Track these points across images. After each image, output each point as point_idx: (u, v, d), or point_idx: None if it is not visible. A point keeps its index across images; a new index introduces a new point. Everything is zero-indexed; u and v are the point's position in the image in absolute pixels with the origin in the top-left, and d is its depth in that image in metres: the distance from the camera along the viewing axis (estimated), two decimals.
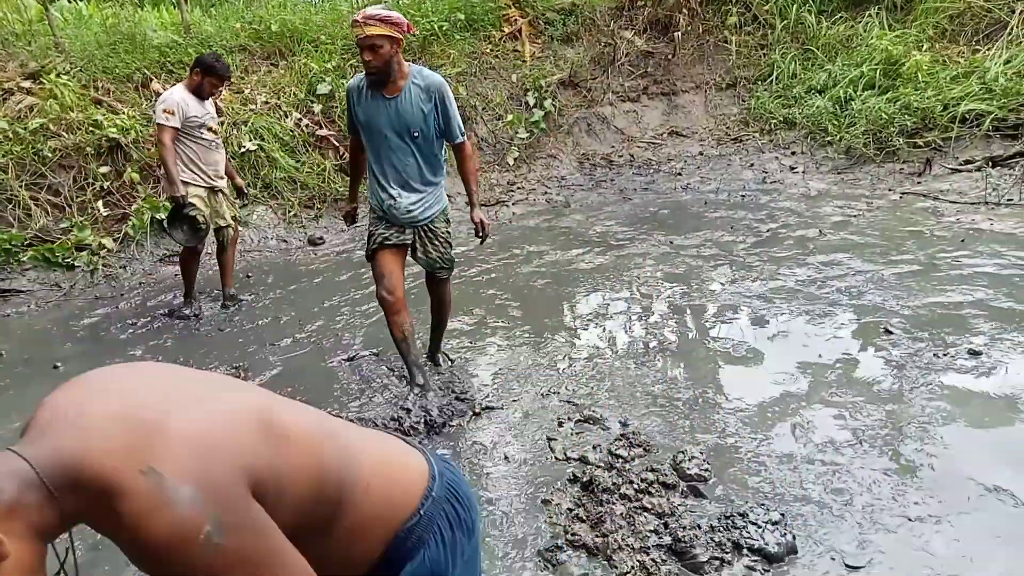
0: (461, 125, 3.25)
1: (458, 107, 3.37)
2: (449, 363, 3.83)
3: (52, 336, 4.47)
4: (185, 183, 4.48)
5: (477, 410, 3.32)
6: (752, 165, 7.52)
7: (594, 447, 2.95)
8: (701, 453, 2.83)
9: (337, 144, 7.26)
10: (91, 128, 6.30)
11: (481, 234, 3.39)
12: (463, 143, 3.28)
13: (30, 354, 4.22)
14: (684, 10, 8.97)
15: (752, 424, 3.05)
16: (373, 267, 3.39)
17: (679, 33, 8.87)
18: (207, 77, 4.52)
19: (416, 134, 3.14)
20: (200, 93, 4.53)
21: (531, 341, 4.03)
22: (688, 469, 2.74)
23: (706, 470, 2.74)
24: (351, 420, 3.26)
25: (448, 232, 3.43)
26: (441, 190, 3.38)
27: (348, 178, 4.04)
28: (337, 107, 7.37)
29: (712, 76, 8.89)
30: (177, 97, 4.41)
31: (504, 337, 4.11)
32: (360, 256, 5.28)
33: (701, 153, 8.04)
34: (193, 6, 9.17)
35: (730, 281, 4.65)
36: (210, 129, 4.62)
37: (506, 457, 2.96)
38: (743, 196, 6.68)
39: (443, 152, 3.34)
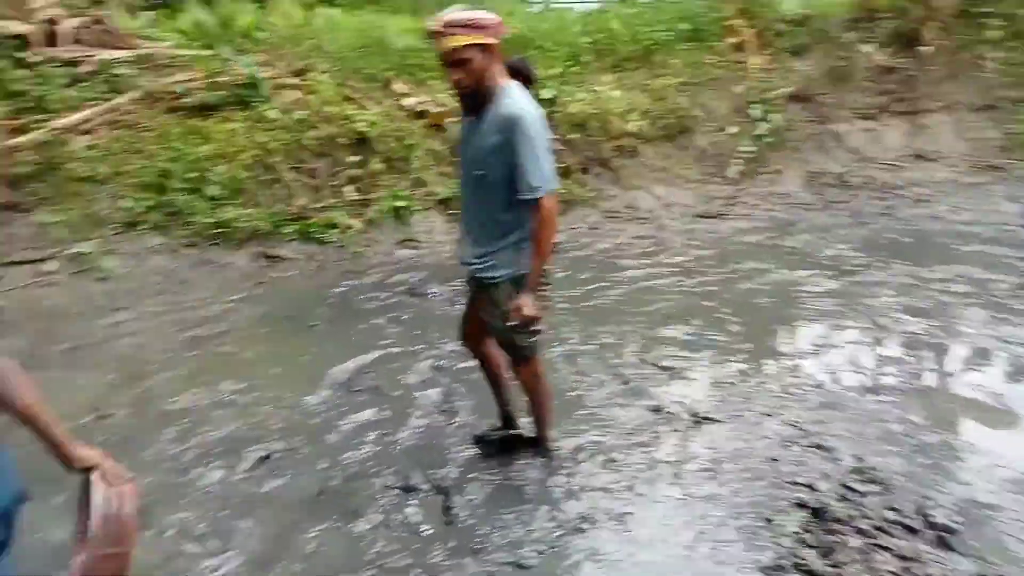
0: (540, 176, 2.37)
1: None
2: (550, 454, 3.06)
3: (309, 300, 5.10)
4: None
5: (696, 420, 3.30)
6: (1016, 197, 6.69)
7: (824, 476, 2.82)
8: (952, 504, 2.60)
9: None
10: (343, 121, 7.07)
11: (511, 321, 2.54)
12: (539, 200, 2.39)
13: (291, 313, 4.86)
14: (933, 22, 8.16)
15: (1014, 482, 2.75)
16: None
17: (927, 48, 8.08)
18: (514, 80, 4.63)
19: (480, 171, 2.47)
20: None
21: (751, 359, 3.91)
22: (934, 517, 2.54)
23: (956, 521, 2.52)
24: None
25: (508, 310, 2.54)
26: (517, 254, 2.54)
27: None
28: (559, 111, 7.57)
29: (965, 95, 8.10)
30: None
31: (722, 351, 4.02)
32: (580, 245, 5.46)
33: (951, 180, 7.26)
34: (432, 12, 9.95)
35: (984, 323, 4.18)
36: None
37: (725, 470, 2.91)
38: (1004, 230, 5.94)
39: (524, 207, 2.46)
